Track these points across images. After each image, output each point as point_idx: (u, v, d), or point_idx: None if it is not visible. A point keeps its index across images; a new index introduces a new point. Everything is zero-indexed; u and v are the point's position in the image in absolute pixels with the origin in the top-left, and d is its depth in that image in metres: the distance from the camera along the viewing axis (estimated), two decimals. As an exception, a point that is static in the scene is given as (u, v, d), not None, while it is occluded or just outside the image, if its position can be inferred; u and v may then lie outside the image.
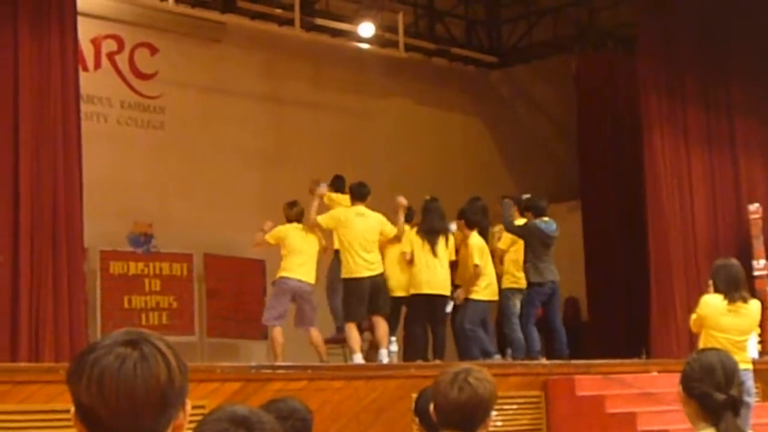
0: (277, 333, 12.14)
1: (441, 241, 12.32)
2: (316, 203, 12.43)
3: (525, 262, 12.79)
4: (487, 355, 12.40)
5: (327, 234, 12.56)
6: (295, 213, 12.44)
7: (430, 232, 12.29)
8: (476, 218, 12.83)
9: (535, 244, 12.78)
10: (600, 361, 12.85)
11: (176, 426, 2.19)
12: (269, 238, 12.35)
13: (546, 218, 13.03)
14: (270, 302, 12.61)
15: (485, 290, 12.61)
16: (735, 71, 16.46)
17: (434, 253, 12.24)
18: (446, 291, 12.36)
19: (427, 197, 12.73)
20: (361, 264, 11.89)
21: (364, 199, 12.21)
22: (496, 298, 12.78)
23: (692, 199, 15.74)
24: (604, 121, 17.68)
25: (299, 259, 12.23)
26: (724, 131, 16.36)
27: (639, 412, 11.07)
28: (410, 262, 12.26)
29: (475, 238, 12.64)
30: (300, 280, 12.20)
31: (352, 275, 11.94)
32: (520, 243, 12.91)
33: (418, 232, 12.33)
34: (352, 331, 12.01)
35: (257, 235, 12.46)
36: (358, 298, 11.90)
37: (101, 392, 2.09)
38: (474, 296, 12.58)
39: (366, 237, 11.98)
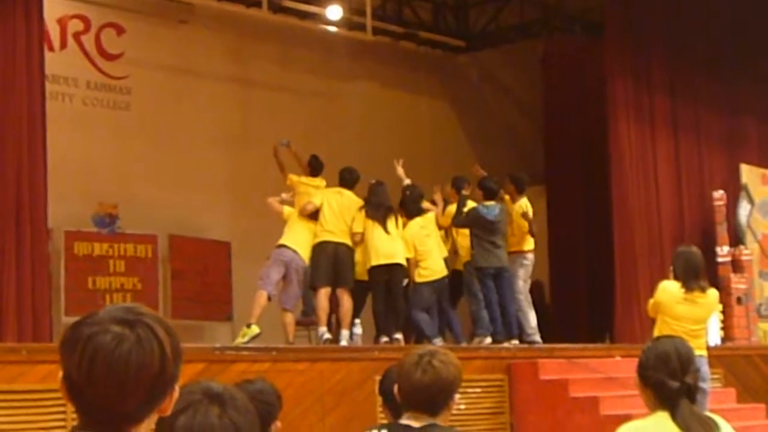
0: (262, 296, 11.86)
1: (391, 218, 12.46)
2: (277, 201, 12.61)
3: (471, 247, 12.82)
4: (426, 338, 12.35)
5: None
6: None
7: (379, 210, 12.41)
8: (416, 207, 12.94)
9: (478, 230, 12.77)
10: (563, 345, 12.92)
11: (160, 410, 2.19)
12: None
13: (490, 203, 12.90)
14: (265, 271, 12.14)
15: (425, 271, 12.68)
16: (700, 58, 16.54)
17: (386, 229, 12.35)
18: (402, 260, 12.45)
19: (373, 181, 12.78)
20: (326, 230, 12.16)
21: (352, 186, 12.53)
22: (438, 276, 12.75)
23: (657, 184, 15.82)
24: (571, 106, 17.73)
25: (298, 231, 12.24)
26: (689, 118, 16.44)
27: (602, 396, 11.14)
28: (360, 241, 12.36)
29: (410, 229, 12.74)
30: (296, 251, 12.13)
31: (316, 240, 12.19)
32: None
33: (367, 214, 12.39)
34: (321, 299, 12.12)
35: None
36: (318, 262, 12.12)
37: (91, 371, 2.09)
38: (417, 279, 12.69)
39: (334, 208, 12.22)
